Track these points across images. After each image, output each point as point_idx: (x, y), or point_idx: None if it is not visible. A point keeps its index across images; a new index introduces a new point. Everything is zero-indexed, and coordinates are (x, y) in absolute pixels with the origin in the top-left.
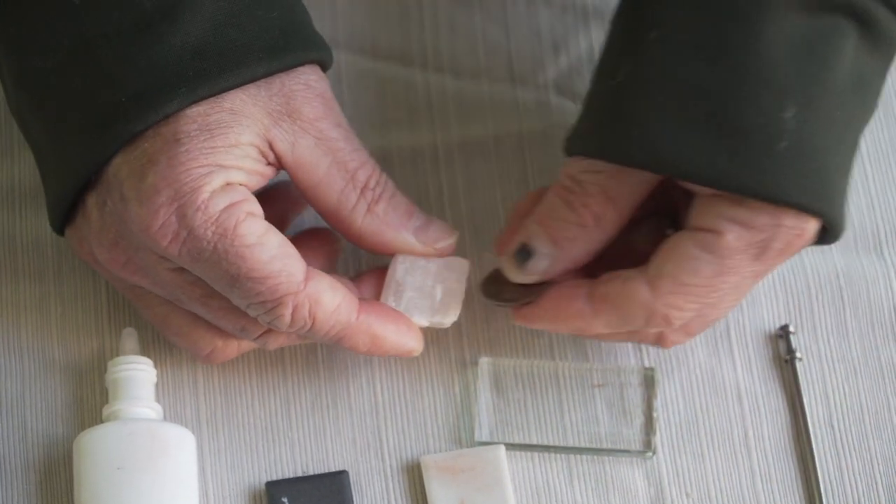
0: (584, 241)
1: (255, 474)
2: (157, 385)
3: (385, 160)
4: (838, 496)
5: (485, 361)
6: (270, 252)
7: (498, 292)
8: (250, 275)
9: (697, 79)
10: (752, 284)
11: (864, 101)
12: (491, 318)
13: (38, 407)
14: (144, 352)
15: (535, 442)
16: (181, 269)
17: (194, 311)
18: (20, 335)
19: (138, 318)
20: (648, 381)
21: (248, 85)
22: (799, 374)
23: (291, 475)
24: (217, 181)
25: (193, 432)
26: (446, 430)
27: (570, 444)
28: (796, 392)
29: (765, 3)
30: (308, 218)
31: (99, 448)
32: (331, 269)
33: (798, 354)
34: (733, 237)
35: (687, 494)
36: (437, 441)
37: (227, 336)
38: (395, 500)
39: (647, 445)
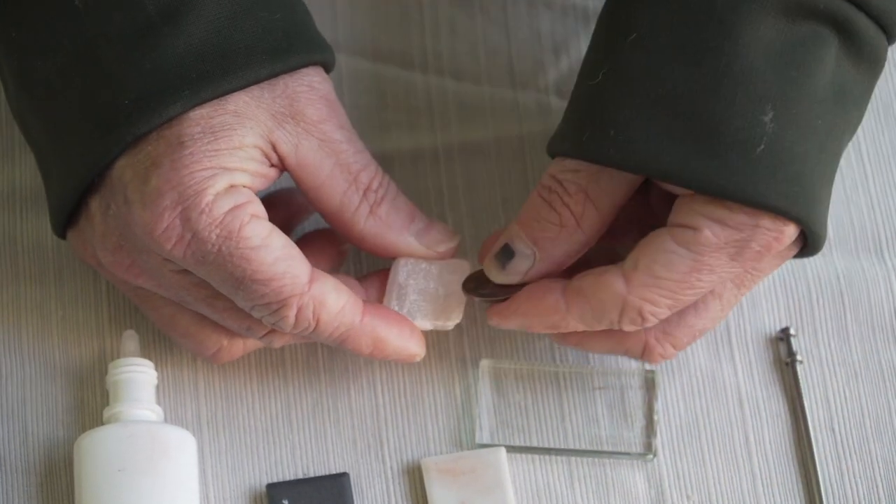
0: (565, 242)
1: (256, 476)
2: (157, 387)
3: (385, 162)
4: (839, 499)
5: (485, 363)
6: (275, 254)
7: (476, 288)
8: (255, 277)
9: (675, 80)
10: (736, 293)
11: (847, 112)
12: None
13: (38, 409)
14: (145, 354)
15: (535, 444)
16: (186, 271)
17: (199, 311)
18: (21, 338)
19: (139, 321)
20: (649, 384)
21: (252, 87)
22: (800, 376)
23: (292, 477)
24: (221, 183)
25: (194, 434)
26: (447, 433)
27: (571, 446)
28: (797, 395)
29: (743, 7)
30: (309, 220)
31: (100, 450)
32: (336, 271)
33: (799, 357)
34: (710, 233)
35: (688, 497)
36: (437, 443)
37: (233, 335)
38: (396, 502)
39: (648, 448)
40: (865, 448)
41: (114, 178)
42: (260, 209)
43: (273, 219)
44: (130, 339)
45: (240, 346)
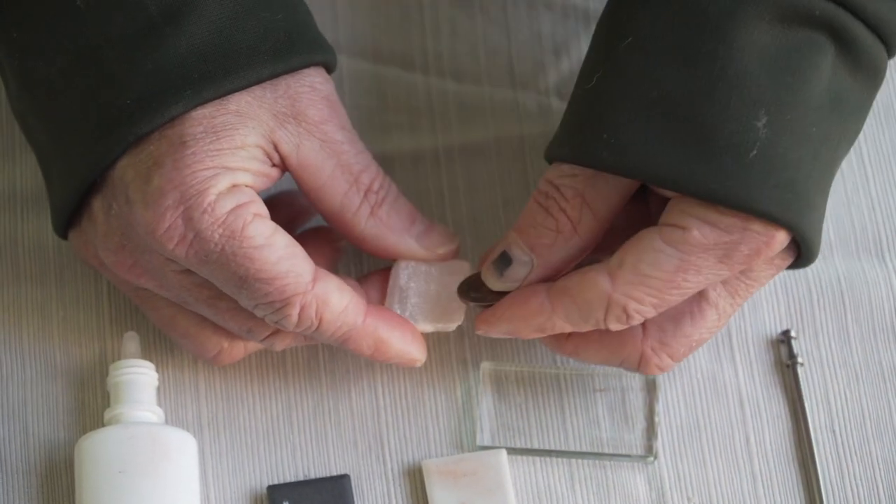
0: (562, 248)
1: (257, 478)
2: (158, 389)
3: (386, 163)
4: (839, 500)
5: (486, 365)
6: (278, 253)
7: (468, 292)
8: (258, 276)
9: (669, 84)
10: (731, 302)
11: (843, 121)
12: None
13: (39, 410)
14: (146, 355)
15: (536, 446)
16: (188, 271)
17: (201, 312)
18: (22, 339)
19: (140, 322)
20: (650, 386)
21: (254, 87)
22: (800, 378)
23: (293, 479)
24: (223, 183)
25: (195, 436)
26: (448, 435)
27: (572, 448)
28: (798, 397)
29: (738, 12)
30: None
31: (100, 452)
32: (334, 268)
33: (799, 359)
34: (699, 234)
35: (688, 499)
36: (438, 445)
37: (234, 337)
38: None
39: (649, 450)
40: (866, 449)
41: (116, 178)
42: (262, 208)
43: (275, 221)
44: (131, 340)
45: (240, 349)
